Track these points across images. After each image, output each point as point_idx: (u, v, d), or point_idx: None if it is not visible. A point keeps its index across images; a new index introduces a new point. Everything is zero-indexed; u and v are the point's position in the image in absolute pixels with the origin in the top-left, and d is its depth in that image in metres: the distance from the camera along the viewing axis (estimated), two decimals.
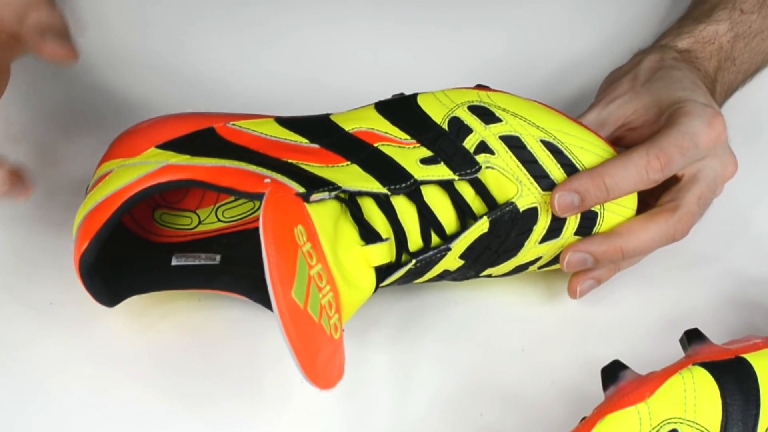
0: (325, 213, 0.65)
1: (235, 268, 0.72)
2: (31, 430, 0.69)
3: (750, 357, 0.63)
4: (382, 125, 0.70)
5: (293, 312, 0.59)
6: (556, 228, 0.70)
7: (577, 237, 0.71)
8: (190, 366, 0.71)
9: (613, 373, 0.63)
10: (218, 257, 0.72)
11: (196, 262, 0.72)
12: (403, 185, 0.67)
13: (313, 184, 0.66)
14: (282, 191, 0.63)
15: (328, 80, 0.87)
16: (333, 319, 0.63)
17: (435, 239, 0.68)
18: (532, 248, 0.70)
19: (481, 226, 0.68)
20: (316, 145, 0.69)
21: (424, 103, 0.71)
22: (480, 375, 0.72)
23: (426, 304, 0.74)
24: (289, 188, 0.65)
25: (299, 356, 0.59)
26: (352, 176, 0.67)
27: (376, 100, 0.72)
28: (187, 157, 0.68)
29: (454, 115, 0.70)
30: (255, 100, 0.83)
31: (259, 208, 0.73)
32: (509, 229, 0.69)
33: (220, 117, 0.72)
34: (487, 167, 0.69)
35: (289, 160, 0.68)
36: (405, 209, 0.68)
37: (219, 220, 0.75)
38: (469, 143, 0.69)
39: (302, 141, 0.70)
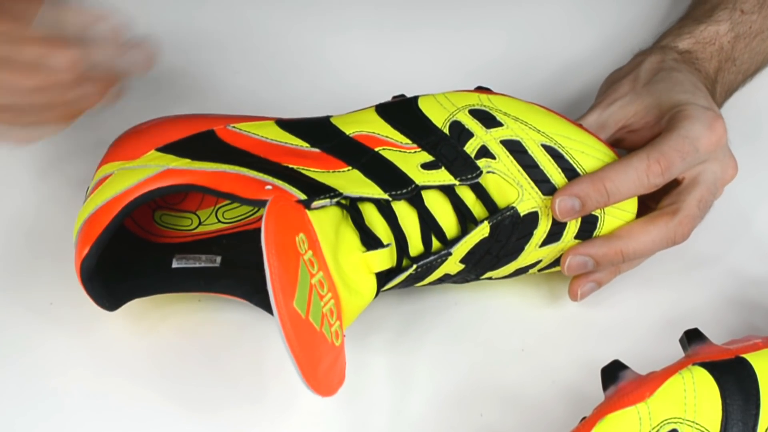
0: (326, 219, 0.65)
1: (236, 270, 0.71)
2: (31, 430, 0.69)
3: (750, 357, 0.63)
4: (383, 129, 0.70)
5: (295, 322, 0.59)
6: (556, 232, 0.70)
7: (577, 241, 0.71)
8: (189, 368, 0.71)
9: (613, 373, 0.63)
10: (219, 259, 0.72)
11: (197, 264, 0.72)
12: (404, 191, 0.67)
13: (315, 190, 0.66)
14: (283, 200, 0.63)
15: (328, 81, 0.87)
16: (334, 326, 0.63)
17: (436, 244, 0.68)
18: (533, 252, 0.70)
19: (482, 231, 0.68)
20: (317, 150, 0.69)
21: (425, 107, 0.71)
22: (480, 375, 0.72)
23: (427, 307, 0.74)
24: (290, 195, 0.65)
25: (301, 366, 0.59)
26: (353, 182, 0.67)
27: (377, 101, 0.72)
28: (188, 161, 0.68)
29: (455, 119, 0.70)
30: (255, 101, 0.83)
31: (259, 209, 0.73)
32: (510, 233, 0.69)
33: (221, 119, 0.71)
34: (488, 172, 0.69)
35: (290, 166, 0.68)
36: (406, 214, 0.68)
37: (219, 221, 0.74)
38: (470, 148, 0.69)
39: (303, 145, 0.70)
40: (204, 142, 0.70)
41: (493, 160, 0.69)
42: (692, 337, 0.65)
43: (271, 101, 0.82)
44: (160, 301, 0.73)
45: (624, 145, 0.75)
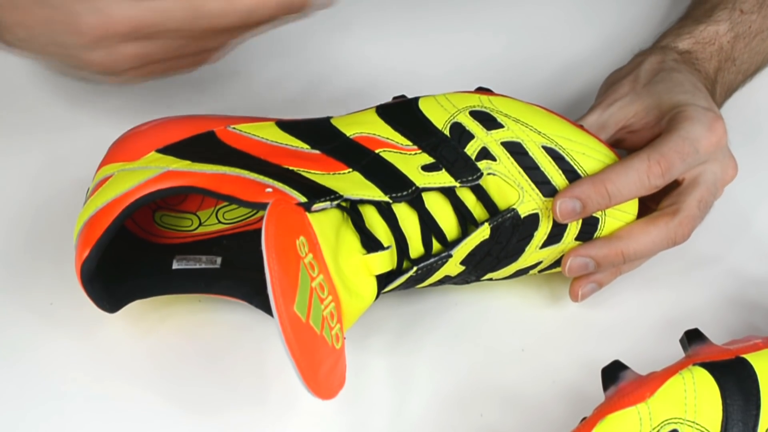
0: (326, 222, 0.65)
1: (236, 272, 0.71)
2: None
3: (750, 357, 0.63)
4: (384, 130, 0.70)
5: (296, 326, 0.59)
6: (557, 233, 0.70)
7: (578, 242, 0.71)
8: (190, 370, 0.71)
9: (613, 373, 0.63)
10: (219, 260, 0.72)
11: (197, 266, 0.72)
12: (405, 193, 0.67)
13: (315, 193, 0.65)
14: (284, 203, 0.62)
15: (328, 81, 0.87)
16: (335, 329, 0.63)
17: (436, 246, 0.68)
18: (533, 253, 0.70)
19: (483, 233, 0.68)
20: (317, 152, 0.69)
21: (426, 108, 0.71)
22: (480, 375, 0.72)
23: (427, 308, 0.74)
24: (290, 198, 0.64)
25: (302, 370, 0.59)
26: (354, 184, 0.67)
27: (377, 102, 0.72)
28: (188, 162, 0.68)
29: (455, 120, 0.70)
30: (256, 101, 0.83)
31: (259, 210, 0.73)
32: (510, 235, 0.69)
33: (221, 120, 0.71)
34: (489, 173, 0.69)
35: (291, 168, 0.67)
36: (406, 216, 0.67)
37: (219, 222, 0.74)
38: (471, 149, 0.69)
39: (303, 147, 0.69)
40: (204, 144, 0.69)
41: (493, 162, 0.69)
42: (692, 338, 0.65)
43: (271, 102, 0.82)
44: (161, 303, 0.73)
45: (624, 146, 0.75)
